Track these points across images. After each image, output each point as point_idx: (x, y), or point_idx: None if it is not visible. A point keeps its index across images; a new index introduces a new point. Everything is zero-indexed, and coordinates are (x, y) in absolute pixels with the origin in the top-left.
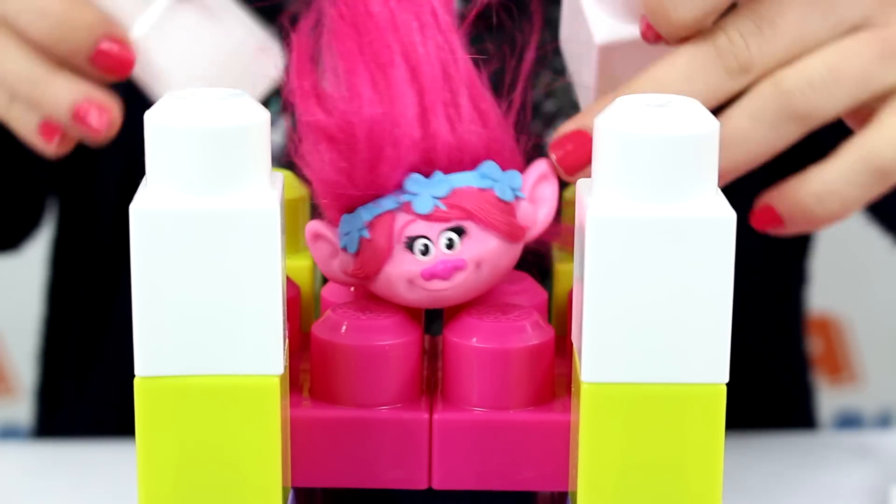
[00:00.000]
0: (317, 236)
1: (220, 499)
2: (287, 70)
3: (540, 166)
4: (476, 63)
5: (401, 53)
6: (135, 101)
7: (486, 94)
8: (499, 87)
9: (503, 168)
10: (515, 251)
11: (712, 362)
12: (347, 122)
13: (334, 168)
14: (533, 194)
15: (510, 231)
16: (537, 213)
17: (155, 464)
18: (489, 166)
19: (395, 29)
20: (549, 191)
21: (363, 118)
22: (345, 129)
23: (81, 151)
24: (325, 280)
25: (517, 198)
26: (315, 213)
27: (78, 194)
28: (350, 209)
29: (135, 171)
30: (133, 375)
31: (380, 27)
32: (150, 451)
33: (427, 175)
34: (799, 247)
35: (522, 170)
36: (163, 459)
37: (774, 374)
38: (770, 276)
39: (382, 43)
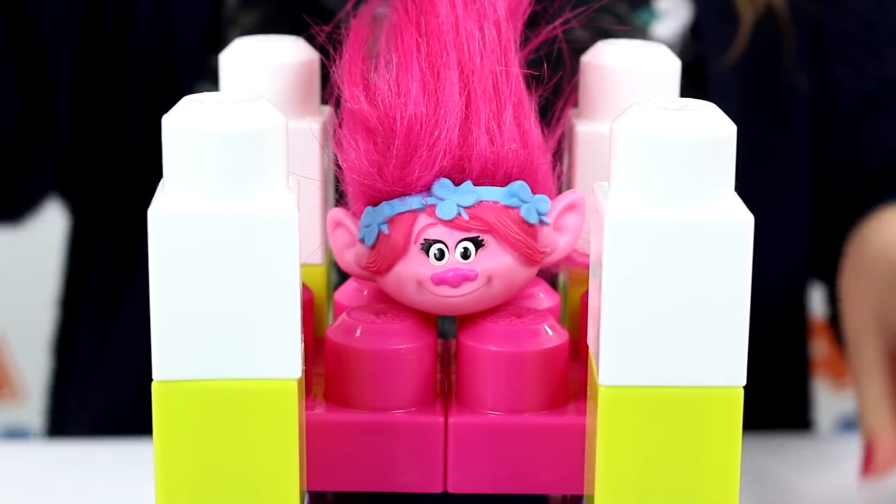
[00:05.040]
0: (337, 224)
1: (238, 502)
2: (340, 53)
3: (571, 195)
4: (528, 84)
5: (456, 60)
6: (153, 101)
7: (531, 116)
8: (547, 112)
9: (534, 190)
10: (530, 272)
11: (729, 365)
12: (389, 117)
13: (368, 159)
14: (558, 221)
15: (527, 252)
16: (559, 241)
17: (173, 467)
18: (520, 186)
19: (456, 34)
20: (575, 221)
21: (405, 115)
22: (385, 122)
23: (91, 150)
24: (337, 285)
25: (541, 222)
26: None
27: (89, 198)
28: (375, 202)
29: (150, 171)
30: (138, 376)
31: (441, 30)
32: (167, 454)
33: (457, 183)
34: (803, 250)
35: (553, 196)
36: (180, 463)
37: (777, 378)
38: (774, 280)
39: (441, 46)
